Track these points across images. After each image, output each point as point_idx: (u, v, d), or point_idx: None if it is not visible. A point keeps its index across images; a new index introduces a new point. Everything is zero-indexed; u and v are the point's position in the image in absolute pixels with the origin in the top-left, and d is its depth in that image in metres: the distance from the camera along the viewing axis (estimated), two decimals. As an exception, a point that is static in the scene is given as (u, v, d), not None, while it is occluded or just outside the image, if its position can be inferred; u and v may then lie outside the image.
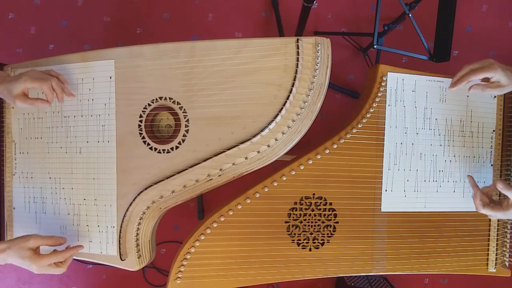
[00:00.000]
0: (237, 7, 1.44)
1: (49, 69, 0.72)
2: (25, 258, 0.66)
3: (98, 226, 0.76)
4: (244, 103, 0.70)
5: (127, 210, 0.73)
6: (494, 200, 0.78)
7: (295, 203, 0.79)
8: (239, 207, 0.76)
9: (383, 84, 0.80)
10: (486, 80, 0.75)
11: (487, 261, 0.87)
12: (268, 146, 0.70)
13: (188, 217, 1.45)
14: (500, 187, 0.73)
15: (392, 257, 0.83)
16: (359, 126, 0.79)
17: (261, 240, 0.79)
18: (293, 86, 0.68)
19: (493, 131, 0.86)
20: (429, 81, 0.82)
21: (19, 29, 1.44)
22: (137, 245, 0.74)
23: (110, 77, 0.74)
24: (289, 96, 0.69)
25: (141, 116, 0.73)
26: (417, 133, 0.82)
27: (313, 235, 0.80)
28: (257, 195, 0.77)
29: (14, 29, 1.44)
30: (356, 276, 1.39)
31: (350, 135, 0.79)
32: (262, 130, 0.69)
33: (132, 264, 0.75)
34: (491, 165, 0.86)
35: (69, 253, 0.71)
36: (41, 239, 0.69)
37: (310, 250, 0.80)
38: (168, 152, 0.72)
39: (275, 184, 0.77)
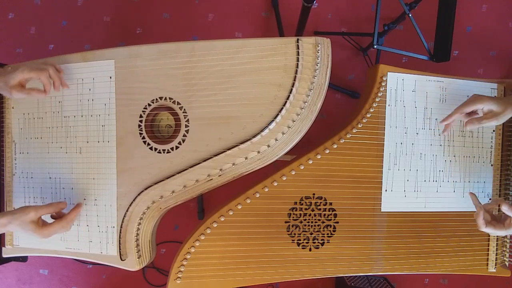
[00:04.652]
0: (237, 7, 1.44)
1: (46, 59, 0.72)
2: (28, 231, 0.66)
3: (98, 226, 0.76)
4: (244, 103, 0.70)
5: (127, 210, 0.73)
6: (495, 217, 0.76)
7: (295, 203, 0.79)
8: (239, 207, 0.76)
9: (383, 84, 0.80)
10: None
11: (487, 261, 0.87)
12: (268, 146, 0.70)
13: (188, 217, 1.45)
14: (505, 209, 0.71)
15: (391, 257, 0.83)
16: (359, 126, 0.79)
17: (261, 240, 0.79)
18: (293, 86, 0.68)
19: (493, 131, 0.86)
20: (429, 81, 0.82)
21: (19, 29, 1.44)
22: (137, 245, 0.74)
23: (110, 77, 0.74)
24: (289, 96, 0.68)
25: (141, 116, 0.73)
26: (417, 133, 0.82)
27: (313, 235, 0.80)
28: (257, 195, 0.77)
29: (14, 29, 1.44)
30: (356, 276, 1.39)
31: (350, 135, 0.79)
32: (262, 130, 0.69)
33: (132, 264, 0.75)
34: (491, 165, 0.86)
35: (72, 216, 0.71)
36: (41, 209, 0.68)
37: (310, 250, 0.80)
38: (168, 152, 0.72)
39: (275, 184, 0.77)
